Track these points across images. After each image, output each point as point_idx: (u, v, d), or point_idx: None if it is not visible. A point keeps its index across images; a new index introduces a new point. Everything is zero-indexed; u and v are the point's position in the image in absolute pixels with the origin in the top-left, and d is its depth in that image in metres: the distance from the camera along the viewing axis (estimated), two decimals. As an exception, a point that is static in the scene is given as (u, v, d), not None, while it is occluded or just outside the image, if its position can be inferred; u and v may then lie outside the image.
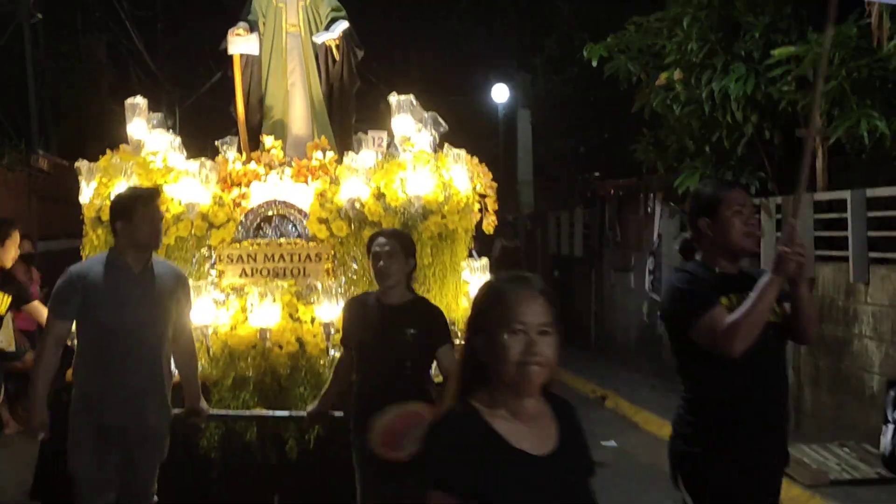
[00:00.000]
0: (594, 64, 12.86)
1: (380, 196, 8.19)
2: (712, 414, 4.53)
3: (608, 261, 18.08)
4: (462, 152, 8.45)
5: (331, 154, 8.82)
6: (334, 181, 8.45)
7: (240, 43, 9.45)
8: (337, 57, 9.53)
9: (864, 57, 9.81)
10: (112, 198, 6.40)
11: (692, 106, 11.78)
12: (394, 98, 8.78)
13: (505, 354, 3.07)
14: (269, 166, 8.70)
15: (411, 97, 8.74)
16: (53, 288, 6.08)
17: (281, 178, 8.61)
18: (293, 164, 8.76)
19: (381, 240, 5.97)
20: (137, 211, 5.95)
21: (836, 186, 11.20)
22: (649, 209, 15.56)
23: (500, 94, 26.41)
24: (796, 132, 10.78)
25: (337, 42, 9.48)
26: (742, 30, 11.53)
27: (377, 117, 9.51)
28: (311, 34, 9.62)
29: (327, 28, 9.55)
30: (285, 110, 9.55)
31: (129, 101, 8.90)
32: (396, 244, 5.91)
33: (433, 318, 6.04)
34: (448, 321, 6.26)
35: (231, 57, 9.54)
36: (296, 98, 9.56)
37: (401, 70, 25.81)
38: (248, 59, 9.55)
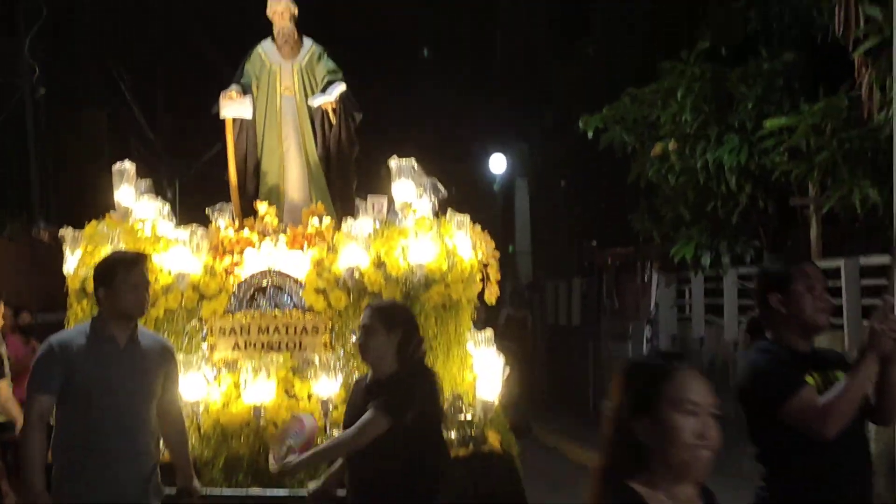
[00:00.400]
0: (590, 135, 13.02)
1: (380, 264, 7.77)
2: (799, 495, 4.38)
3: (606, 329, 18.10)
4: (466, 219, 8.05)
5: (327, 220, 8.38)
6: (332, 249, 8.01)
7: (232, 106, 9.11)
8: (333, 121, 9.19)
9: (855, 128, 9.94)
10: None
11: (687, 176, 11.91)
12: (394, 162, 8.42)
13: (677, 437, 2.90)
14: (263, 233, 8.28)
15: (412, 161, 8.39)
16: (34, 360, 5.65)
17: (275, 246, 8.12)
18: (288, 231, 8.34)
19: (363, 314, 5.65)
20: (119, 276, 5.57)
21: (832, 255, 11.29)
22: (646, 278, 15.65)
23: (498, 164, 26.57)
24: (790, 201, 10.89)
25: (334, 105, 9.11)
26: (735, 101, 11.68)
27: (377, 183, 9.13)
28: (307, 97, 9.27)
29: (324, 91, 9.20)
30: (281, 175, 9.23)
31: (117, 166, 8.58)
32: (375, 318, 5.51)
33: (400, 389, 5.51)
34: (455, 395, 6.09)
35: (224, 121, 9.19)
36: (291, 163, 9.25)
37: (397, 139, 25.99)
38: (241, 124, 9.22)
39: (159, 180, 11.63)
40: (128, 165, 8.54)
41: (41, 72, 19.54)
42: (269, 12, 9.34)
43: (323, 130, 9.23)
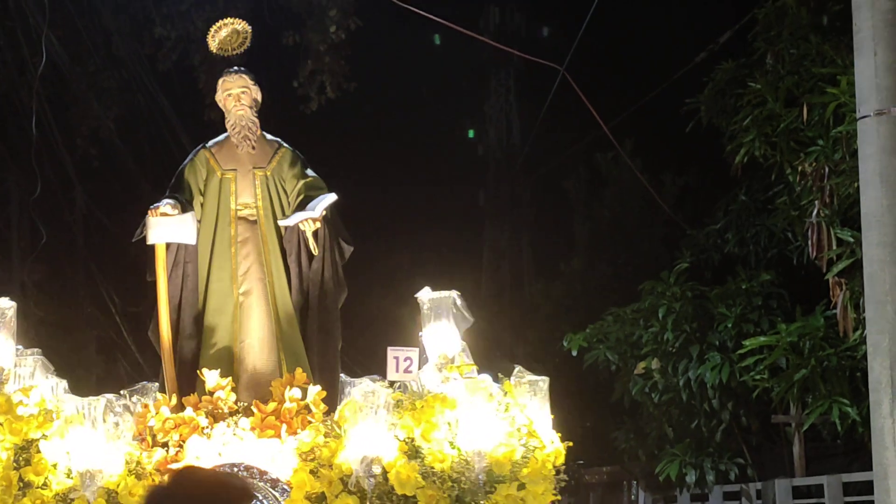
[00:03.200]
0: (574, 353, 13.23)
1: (414, 453, 5.56)
2: None
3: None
4: (544, 382, 5.98)
5: (316, 389, 6.05)
6: (330, 432, 5.71)
7: (164, 227, 6.52)
8: (315, 251, 6.62)
9: (832, 346, 10.16)
10: None
11: (670, 394, 12.08)
12: (427, 295, 6.16)
13: None
14: (214, 415, 5.99)
15: (454, 295, 6.17)
16: None
17: (234, 433, 5.82)
18: (253, 409, 5.97)
19: None
20: None
21: (815, 472, 11.39)
22: (633, 496, 15.62)
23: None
24: (772, 419, 11.04)
25: (317, 226, 6.59)
26: (715, 320, 11.95)
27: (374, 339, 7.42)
28: (275, 218, 6.81)
29: (302, 206, 6.71)
30: (235, 332, 6.63)
31: None
32: None
33: None
34: None
35: (151, 249, 6.58)
36: (252, 314, 6.67)
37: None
38: (177, 253, 6.69)
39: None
40: (4, 303, 6.20)
41: None
42: (219, 96, 6.99)
43: (299, 266, 6.76)
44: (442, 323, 6.06)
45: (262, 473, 5.72)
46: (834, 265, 9.51)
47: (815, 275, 10.12)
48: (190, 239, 6.63)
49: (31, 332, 20.22)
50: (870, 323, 6.89)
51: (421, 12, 10.03)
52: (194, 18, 12.84)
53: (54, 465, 5.65)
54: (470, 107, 26.02)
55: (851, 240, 9.25)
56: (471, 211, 25.79)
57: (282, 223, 6.75)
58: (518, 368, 5.99)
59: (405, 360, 6.04)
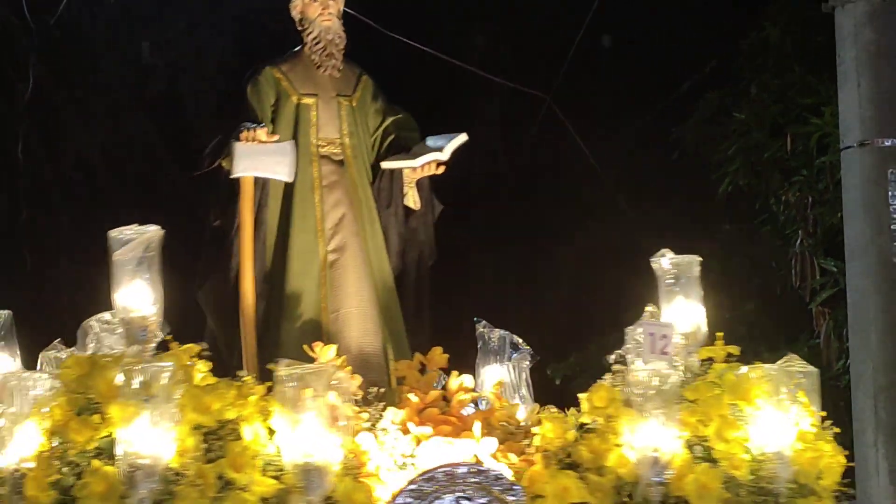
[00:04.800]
0: (557, 382, 13.18)
1: (706, 456, 4.34)
2: None
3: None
4: (814, 373, 4.84)
5: (458, 378, 4.66)
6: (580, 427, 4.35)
7: (256, 156, 5.07)
8: (417, 204, 5.35)
9: (816, 376, 10.17)
10: None
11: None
12: (667, 260, 4.81)
13: None
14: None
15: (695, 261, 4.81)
16: None
17: (417, 433, 4.35)
18: (410, 398, 4.44)
19: None
20: None
21: None
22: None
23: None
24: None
25: (439, 169, 5.29)
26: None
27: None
28: (364, 158, 5.43)
29: (395, 150, 5.39)
30: (324, 299, 5.20)
31: None
32: None
33: None
34: None
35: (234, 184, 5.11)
36: (346, 278, 5.21)
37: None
38: (260, 198, 5.21)
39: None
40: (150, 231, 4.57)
41: None
42: (296, 4, 5.54)
43: (397, 222, 5.40)
44: (681, 295, 4.78)
45: (496, 475, 4.16)
46: (818, 294, 9.55)
47: (799, 304, 10.14)
48: (286, 175, 5.15)
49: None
50: (853, 352, 6.93)
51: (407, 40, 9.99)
52: (182, 46, 12.85)
53: (257, 459, 4.03)
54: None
55: (835, 269, 9.29)
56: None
57: (388, 165, 5.30)
58: (789, 355, 4.94)
59: (661, 338, 4.56)
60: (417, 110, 5.73)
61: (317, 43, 5.40)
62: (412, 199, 5.31)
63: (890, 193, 6.65)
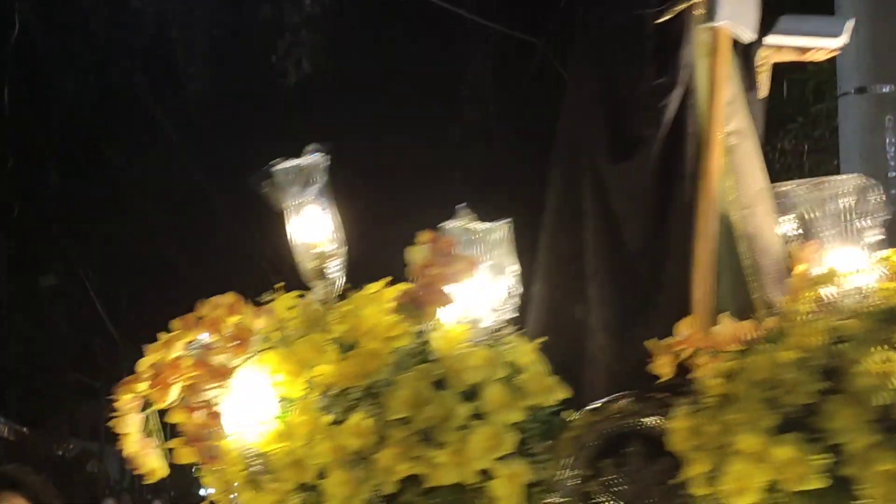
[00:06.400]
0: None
1: None
2: None
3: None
4: None
5: None
6: None
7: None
8: (765, 92, 3.90)
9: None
10: None
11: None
12: None
13: None
14: None
15: None
16: None
17: None
18: None
19: None
20: None
21: None
22: None
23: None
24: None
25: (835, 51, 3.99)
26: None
27: None
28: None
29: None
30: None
31: None
32: None
33: None
34: None
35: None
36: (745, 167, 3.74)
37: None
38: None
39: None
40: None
41: None
42: None
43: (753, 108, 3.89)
44: None
45: None
46: (813, 243, 9.55)
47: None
48: (749, 34, 3.74)
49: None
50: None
51: None
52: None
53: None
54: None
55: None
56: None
57: (771, 41, 3.89)
58: None
59: None
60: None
61: None
62: (764, 86, 3.96)
63: (887, 140, 6.58)
